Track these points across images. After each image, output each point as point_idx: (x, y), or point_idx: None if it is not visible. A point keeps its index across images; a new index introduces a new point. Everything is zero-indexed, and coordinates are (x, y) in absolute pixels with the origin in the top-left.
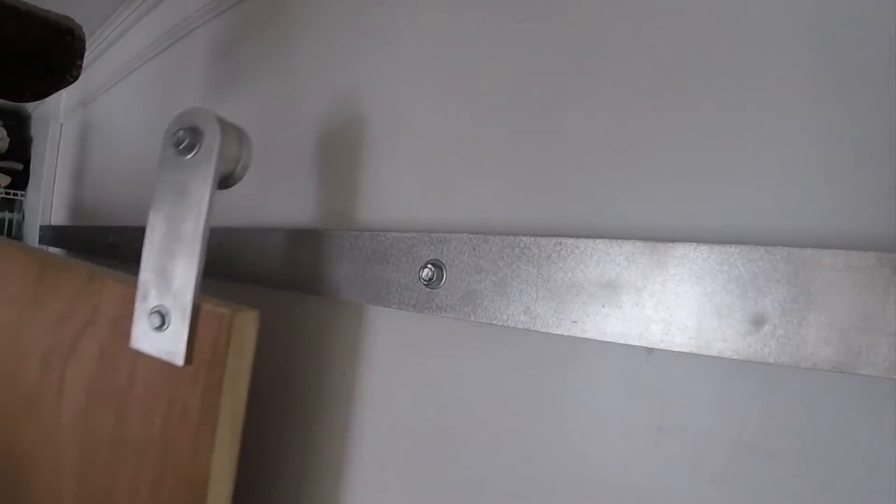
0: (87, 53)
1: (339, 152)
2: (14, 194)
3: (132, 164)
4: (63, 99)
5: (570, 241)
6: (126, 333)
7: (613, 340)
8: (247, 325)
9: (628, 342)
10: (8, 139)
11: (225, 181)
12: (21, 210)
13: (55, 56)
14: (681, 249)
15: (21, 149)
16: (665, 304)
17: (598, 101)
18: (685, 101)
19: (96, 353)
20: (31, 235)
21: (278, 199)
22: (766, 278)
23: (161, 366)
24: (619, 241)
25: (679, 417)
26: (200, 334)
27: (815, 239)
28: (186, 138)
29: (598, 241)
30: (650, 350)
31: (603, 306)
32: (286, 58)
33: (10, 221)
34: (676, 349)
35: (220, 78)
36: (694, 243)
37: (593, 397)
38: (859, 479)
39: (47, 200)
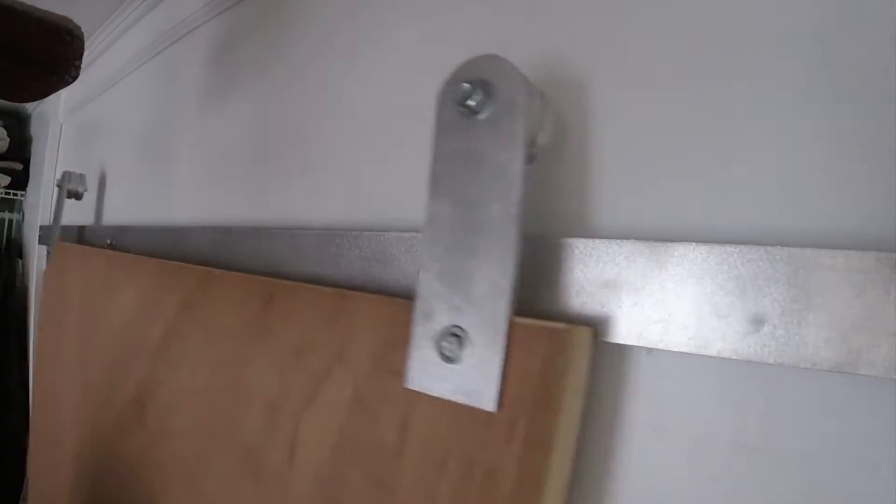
0: (86, 53)
1: (338, 152)
2: (14, 194)
3: (132, 164)
4: (63, 99)
5: (570, 240)
6: (394, 370)
7: (613, 340)
8: (583, 346)
9: (628, 342)
10: (8, 139)
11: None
12: (21, 210)
13: (54, 56)
14: (680, 249)
15: (21, 149)
16: (664, 304)
17: (598, 101)
18: (685, 101)
19: (347, 399)
20: (31, 235)
21: (277, 198)
22: (765, 278)
23: (453, 412)
24: (618, 241)
25: (679, 417)
26: (518, 363)
27: (815, 239)
28: (478, 93)
29: (597, 240)
30: (650, 350)
31: (602, 306)
32: (285, 57)
33: (10, 221)
34: (676, 349)
35: (220, 78)
36: (694, 243)
37: (593, 397)
38: (859, 479)
39: (47, 200)
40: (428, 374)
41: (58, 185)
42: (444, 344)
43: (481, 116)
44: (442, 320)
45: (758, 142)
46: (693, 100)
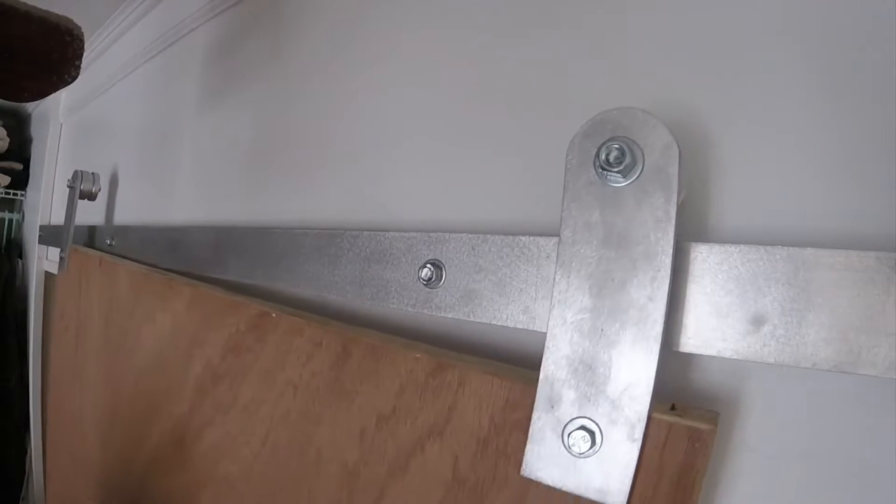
0: (86, 53)
1: (338, 152)
2: (14, 194)
3: (132, 164)
4: (63, 99)
5: None
6: (504, 454)
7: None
8: (712, 442)
9: None
10: (8, 139)
11: None
12: (21, 210)
13: (54, 56)
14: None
15: (21, 149)
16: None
17: (598, 102)
18: (685, 101)
19: (446, 478)
20: (31, 235)
21: (277, 198)
22: (765, 278)
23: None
24: None
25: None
26: (653, 459)
27: (815, 239)
28: (623, 155)
29: None
30: None
31: None
32: (285, 58)
33: (10, 221)
34: (675, 349)
35: (220, 78)
36: (693, 243)
37: None
38: (859, 479)
39: (47, 200)
40: (549, 465)
41: (69, 186)
42: (573, 437)
43: (624, 185)
44: (570, 411)
45: (757, 142)
46: (693, 99)
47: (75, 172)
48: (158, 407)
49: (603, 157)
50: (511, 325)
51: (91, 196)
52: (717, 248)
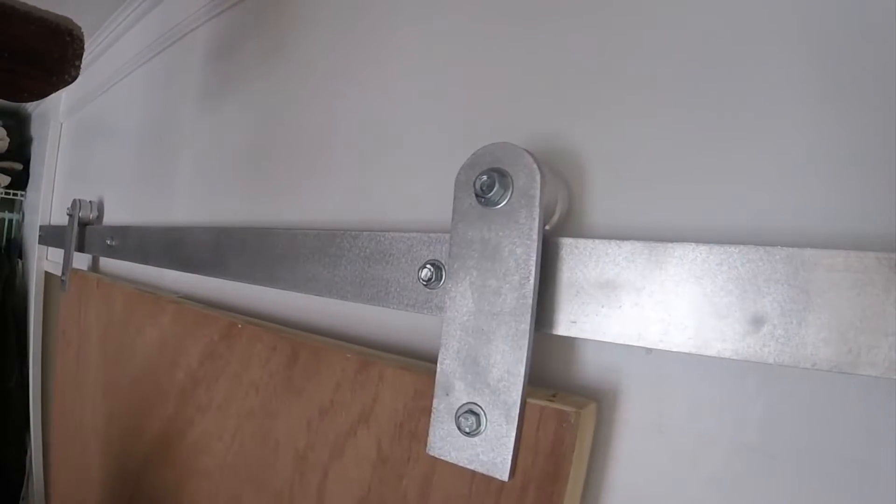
0: (86, 53)
1: (338, 152)
2: (14, 194)
3: (132, 164)
4: (63, 99)
5: (569, 240)
6: (416, 435)
7: (612, 341)
8: (588, 423)
9: (627, 342)
10: (8, 139)
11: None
12: (21, 210)
13: (54, 56)
14: (680, 249)
15: (21, 149)
16: (664, 305)
17: (598, 102)
18: (685, 101)
19: (372, 458)
20: (31, 235)
21: (277, 198)
22: (765, 278)
23: (470, 479)
24: (617, 241)
25: (679, 417)
26: (530, 438)
27: (815, 239)
28: (493, 184)
29: (596, 241)
30: (649, 350)
31: (602, 306)
32: (285, 58)
33: (10, 221)
34: (675, 349)
35: (220, 78)
36: (693, 243)
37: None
38: (859, 479)
39: (47, 200)
40: (448, 444)
41: (68, 214)
42: (463, 420)
43: (498, 207)
44: (461, 397)
45: (758, 141)
46: (692, 102)
47: (74, 201)
48: (149, 410)
49: (478, 186)
50: None
51: (90, 223)
52: (717, 248)
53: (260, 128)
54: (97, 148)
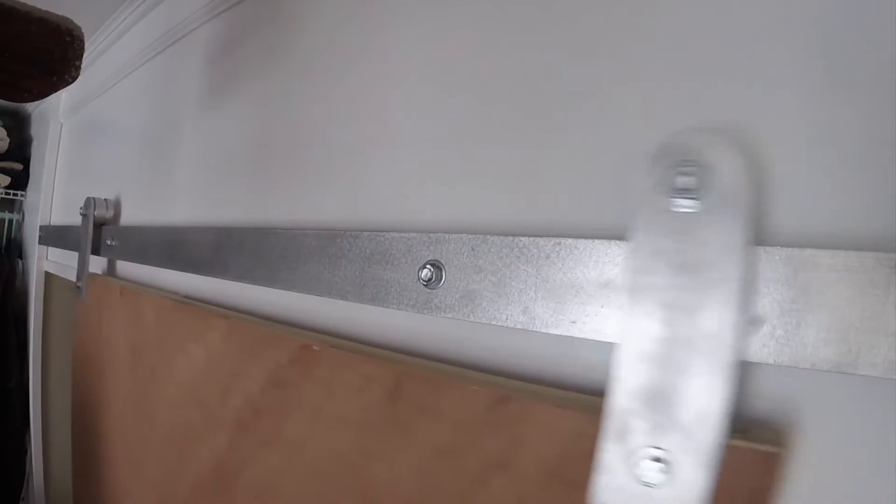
0: (86, 53)
1: (338, 152)
2: (14, 194)
3: (132, 164)
4: (63, 99)
5: (569, 241)
6: (572, 482)
7: (612, 341)
8: (783, 464)
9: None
10: (8, 139)
11: None
12: (21, 210)
13: (54, 56)
14: None
15: (21, 149)
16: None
17: (598, 102)
18: (685, 101)
19: None
20: (31, 235)
21: (277, 199)
22: (765, 278)
23: None
24: (617, 242)
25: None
26: (725, 485)
27: (815, 239)
28: (694, 182)
29: (596, 241)
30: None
31: (602, 306)
32: (285, 58)
33: (10, 221)
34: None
35: (220, 78)
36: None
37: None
38: (859, 479)
39: (47, 200)
40: (620, 496)
41: (82, 214)
42: (644, 467)
43: (696, 210)
44: (640, 441)
45: (757, 142)
46: (693, 99)
47: (88, 200)
48: (195, 439)
49: (675, 182)
50: (510, 325)
51: (106, 222)
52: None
53: (260, 128)
54: (97, 148)
